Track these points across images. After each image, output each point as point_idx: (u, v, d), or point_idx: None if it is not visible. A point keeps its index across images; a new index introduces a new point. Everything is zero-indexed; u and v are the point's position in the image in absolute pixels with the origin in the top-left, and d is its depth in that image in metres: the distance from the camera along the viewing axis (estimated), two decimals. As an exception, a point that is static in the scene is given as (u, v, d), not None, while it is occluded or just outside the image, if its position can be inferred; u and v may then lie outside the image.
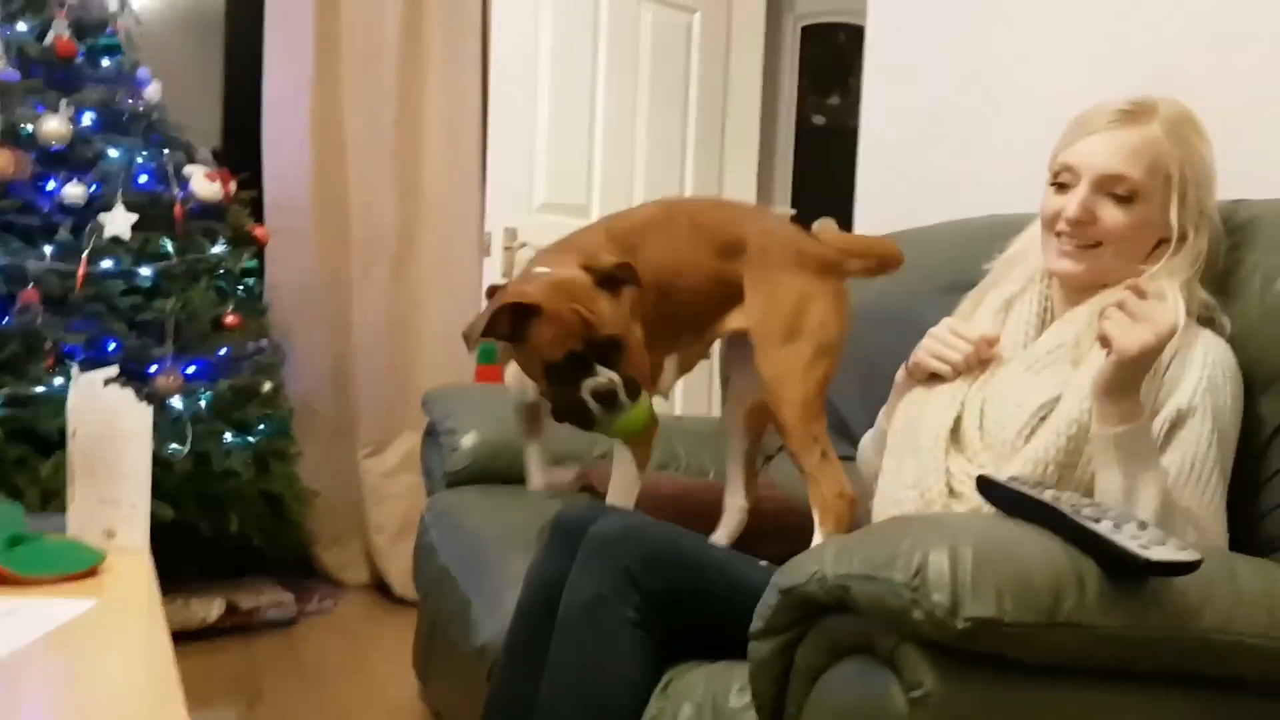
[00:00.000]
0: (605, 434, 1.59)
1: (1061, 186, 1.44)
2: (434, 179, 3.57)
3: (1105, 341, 1.24)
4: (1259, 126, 1.84)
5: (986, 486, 1.08)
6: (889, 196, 2.85)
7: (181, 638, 2.89)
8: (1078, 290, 1.48)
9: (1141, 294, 1.26)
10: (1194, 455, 1.30)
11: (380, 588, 3.51)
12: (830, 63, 4.60)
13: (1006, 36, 2.44)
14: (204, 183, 2.88)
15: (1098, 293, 1.45)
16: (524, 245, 3.36)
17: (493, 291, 3.37)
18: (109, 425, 1.46)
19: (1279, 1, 1.86)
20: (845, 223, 2.94)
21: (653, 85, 3.67)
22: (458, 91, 3.58)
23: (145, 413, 1.57)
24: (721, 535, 1.82)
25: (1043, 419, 1.38)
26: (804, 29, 4.58)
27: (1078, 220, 1.40)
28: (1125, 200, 1.39)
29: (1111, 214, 1.40)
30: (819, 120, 4.58)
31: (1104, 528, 0.93)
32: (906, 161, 2.78)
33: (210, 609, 2.97)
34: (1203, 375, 1.34)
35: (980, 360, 1.47)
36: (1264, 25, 1.87)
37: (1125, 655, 0.95)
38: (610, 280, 1.57)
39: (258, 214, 3.38)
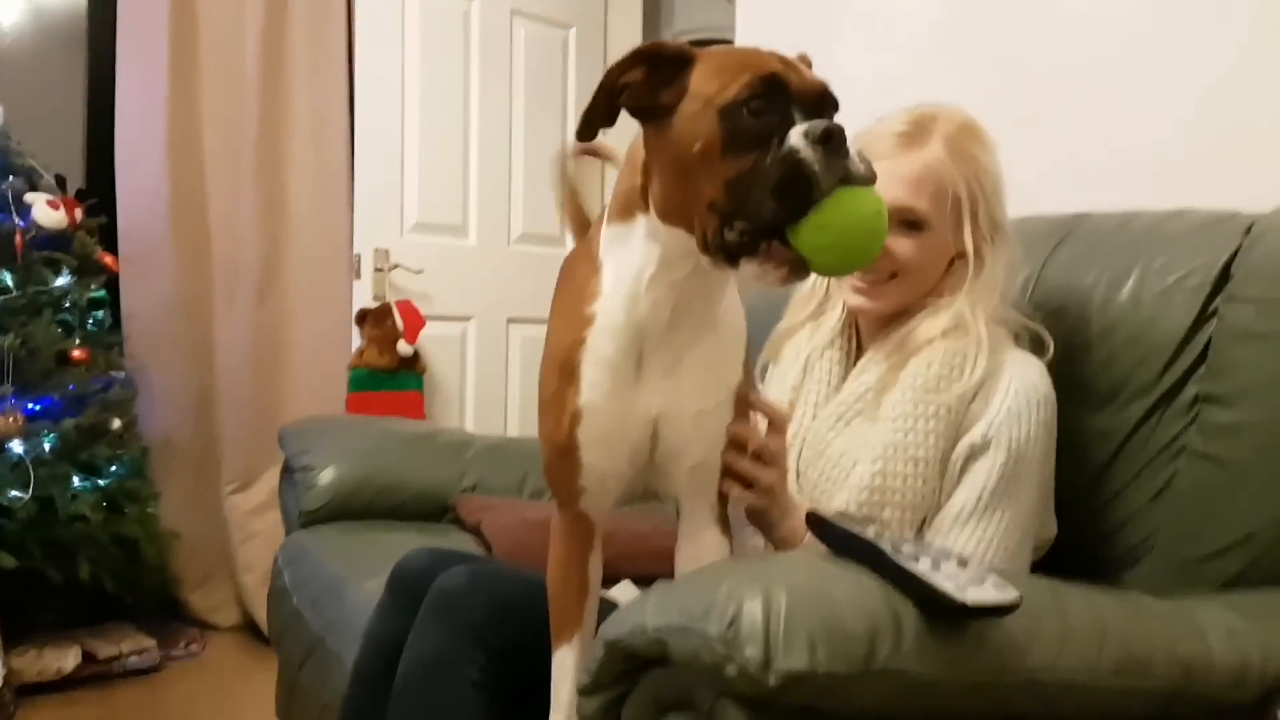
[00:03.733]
0: (810, 244, 0.95)
1: None
2: (300, 200, 3.45)
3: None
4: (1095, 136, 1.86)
5: (815, 523, 1.03)
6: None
7: (36, 690, 2.75)
8: (877, 323, 1.44)
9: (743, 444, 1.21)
10: (980, 490, 1.27)
11: (252, 629, 3.36)
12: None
13: (866, 56, 2.42)
14: (46, 211, 2.73)
15: (899, 323, 1.41)
16: (396, 266, 3.27)
17: (363, 316, 3.31)
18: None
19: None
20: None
21: (528, 100, 3.60)
22: (323, 109, 3.46)
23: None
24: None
25: None
26: (684, 44, 4.55)
27: None
28: (914, 229, 1.35)
29: (902, 245, 1.34)
30: (701, 134, 4.56)
31: (922, 567, 0.88)
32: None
33: (65, 659, 2.81)
34: (1002, 406, 1.29)
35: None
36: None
37: (948, 702, 0.91)
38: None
39: (114, 241, 3.22)
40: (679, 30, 4.51)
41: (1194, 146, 1.74)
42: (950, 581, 0.87)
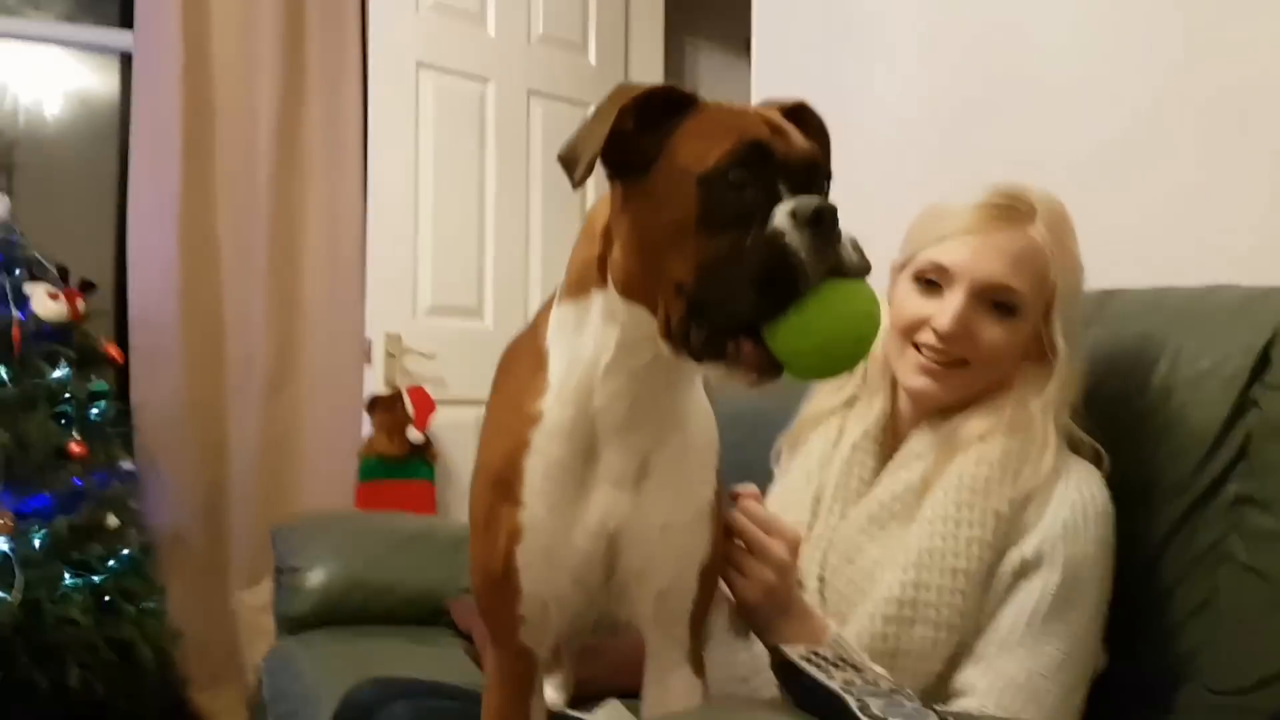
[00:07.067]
0: (789, 347, 0.82)
1: (928, 285, 1.24)
2: (313, 288, 3.40)
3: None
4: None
5: (780, 667, 0.89)
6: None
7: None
8: (927, 411, 1.29)
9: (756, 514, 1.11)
10: (1031, 611, 1.12)
11: (262, 731, 3.23)
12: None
13: (881, 132, 2.32)
14: (45, 302, 2.68)
15: (948, 414, 1.26)
16: (407, 352, 3.18)
17: (374, 403, 3.22)
18: None
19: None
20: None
21: (545, 179, 3.55)
22: (337, 195, 3.42)
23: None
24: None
25: None
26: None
27: (951, 335, 1.21)
28: (1006, 314, 1.21)
29: (990, 330, 1.20)
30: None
31: (891, 731, 0.74)
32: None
33: (57, 769, 2.69)
34: (1058, 519, 1.15)
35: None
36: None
37: None
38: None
39: (123, 333, 3.19)
40: (704, 105, 4.45)
41: (1228, 220, 1.60)
42: (922, 751, 0.73)
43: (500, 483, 0.99)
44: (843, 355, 0.84)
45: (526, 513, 0.98)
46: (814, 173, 0.87)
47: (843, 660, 0.88)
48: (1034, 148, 1.89)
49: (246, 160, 3.35)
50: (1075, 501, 1.16)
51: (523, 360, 1.03)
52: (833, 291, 0.80)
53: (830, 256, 0.80)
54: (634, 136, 0.88)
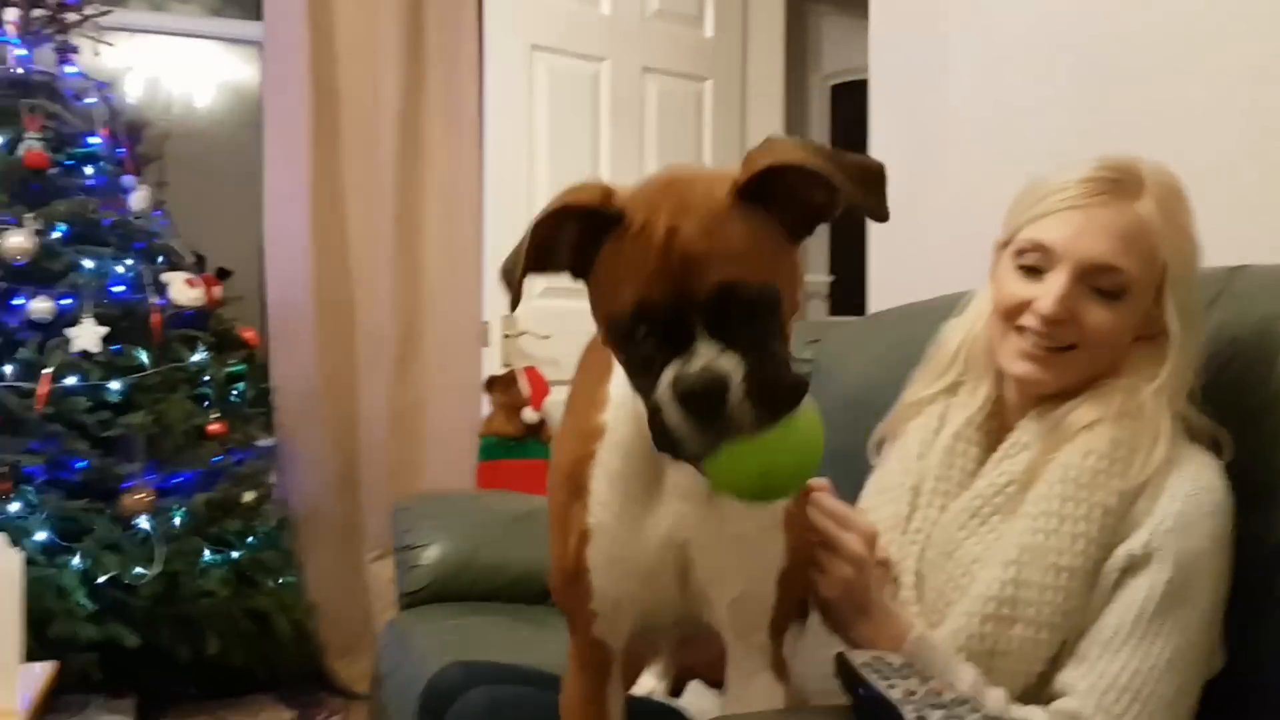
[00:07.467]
0: (712, 482, 0.85)
1: (1030, 269, 1.18)
2: (434, 269, 3.48)
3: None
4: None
5: (843, 671, 0.86)
6: (900, 265, 2.63)
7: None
8: (1034, 399, 1.22)
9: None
10: (1138, 610, 1.05)
11: (394, 698, 3.34)
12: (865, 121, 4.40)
13: (1003, 95, 2.22)
14: (183, 289, 2.81)
15: (1057, 401, 1.19)
16: (523, 334, 3.22)
17: (492, 383, 3.27)
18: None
19: None
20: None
21: (661, 158, 3.52)
22: (456, 179, 3.49)
23: (12, 560, 1.46)
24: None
25: None
26: (835, 88, 4.39)
27: (1054, 318, 1.14)
28: (1113, 295, 1.14)
29: (1096, 314, 1.14)
30: (854, 181, 4.37)
31: (946, 746, 0.71)
32: (917, 226, 2.55)
33: (200, 733, 2.84)
34: (1169, 512, 1.08)
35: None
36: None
37: None
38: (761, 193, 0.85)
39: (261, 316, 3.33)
40: (827, 73, 4.36)
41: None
42: (977, 770, 0.69)
43: (571, 485, 1.01)
44: (752, 495, 0.86)
45: (594, 518, 1.00)
46: (729, 302, 0.81)
47: (908, 668, 0.85)
48: (1160, 100, 1.79)
49: (371, 147, 3.43)
50: (1189, 493, 1.09)
51: (595, 363, 1.04)
52: (724, 457, 0.81)
53: (709, 433, 0.79)
54: (575, 246, 0.89)
